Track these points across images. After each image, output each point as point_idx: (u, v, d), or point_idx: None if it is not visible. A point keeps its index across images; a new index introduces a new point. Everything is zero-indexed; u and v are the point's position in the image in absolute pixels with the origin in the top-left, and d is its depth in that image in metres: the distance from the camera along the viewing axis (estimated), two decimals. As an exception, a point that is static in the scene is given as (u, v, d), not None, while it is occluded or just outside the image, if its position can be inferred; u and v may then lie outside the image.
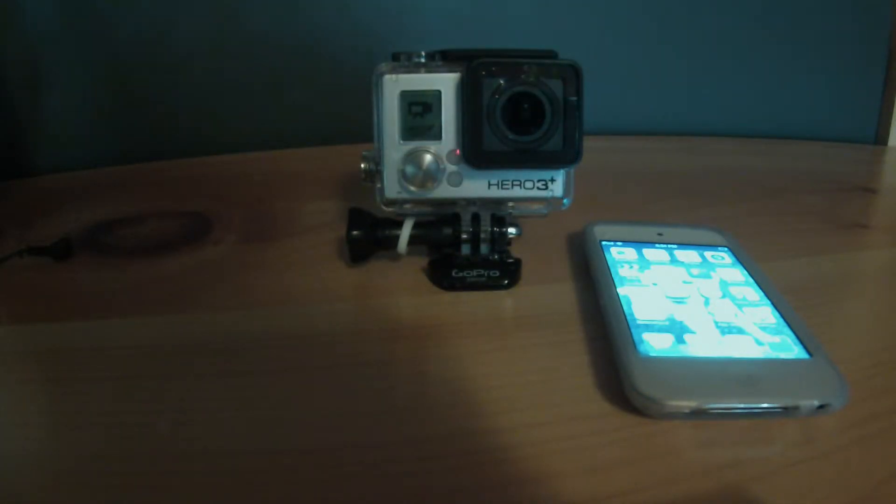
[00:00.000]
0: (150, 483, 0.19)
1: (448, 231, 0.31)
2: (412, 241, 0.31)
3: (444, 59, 0.30)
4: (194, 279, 0.31)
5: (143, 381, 0.24)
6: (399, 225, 0.31)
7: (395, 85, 0.30)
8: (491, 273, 0.31)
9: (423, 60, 0.30)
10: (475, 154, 0.29)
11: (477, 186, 0.31)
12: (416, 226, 0.31)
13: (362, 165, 0.31)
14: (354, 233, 0.30)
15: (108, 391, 0.23)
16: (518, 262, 0.32)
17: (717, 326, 0.25)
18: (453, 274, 0.31)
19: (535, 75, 0.29)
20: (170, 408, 0.23)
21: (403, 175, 0.30)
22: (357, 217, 0.31)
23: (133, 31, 0.51)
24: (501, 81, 0.29)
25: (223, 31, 0.53)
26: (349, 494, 0.19)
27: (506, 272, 0.31)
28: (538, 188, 0.31)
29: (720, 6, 0.62)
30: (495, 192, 0.31)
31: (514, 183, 0.31)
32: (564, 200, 0.31)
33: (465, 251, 0.31)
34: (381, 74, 0.30)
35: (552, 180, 0.31)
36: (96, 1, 0.49)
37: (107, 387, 0.24)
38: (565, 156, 0.30)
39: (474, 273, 0.31)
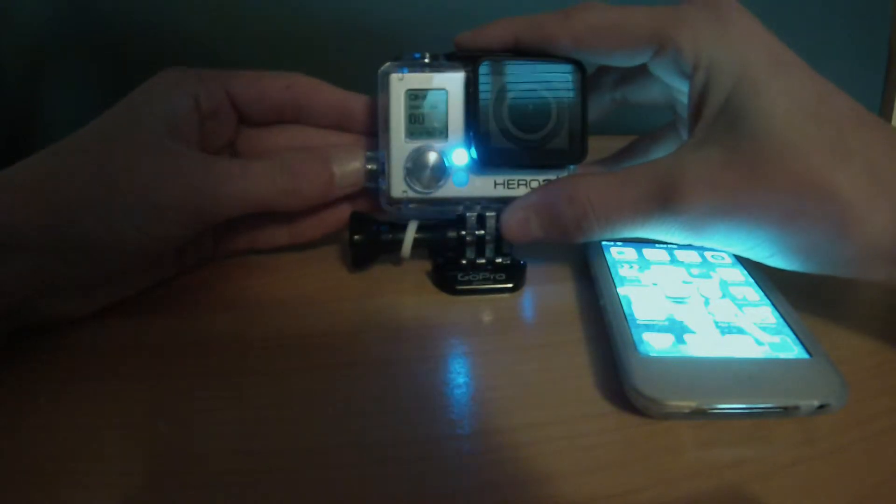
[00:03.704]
0: (148, 483, 0.19)
1: (452, 234, 0.31)
2: (416, 244, 0.31)
3: (448, 59, 0.31)
4: (195, 278, 0.31)
5: (141, 380, 0.24)
6: (402, 228, 0.31)
7: (400, 84, 0.30)
8: (497, 277, 0.31)
9: (427, 61, 0.30)
10: (481, 153, 0.30)
11: (483, 186, 0.31)
12: (419, 229, 0.31)
13: (367, 166, 0.31)
14: (357, 237, 0.30)
15: (106, 390, 0.23)
16: (523, 266, 0.32)
17: (717, 326, 0.25)
18: (459, 278, 0.31)
19: (539, 74, 0.29)
20: (169, 408, 0.23)
21: (409, 174, 0.30)
22: (359, 221, 0.31)
23: (133, 29, 0.51)
24: (506, 80, 0.29)
25: (225, 32, 0.53)
26: (349, 494, 0.19)
27: (511, 276, 0.31)
28: None
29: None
30: (501, 192, 0.31)
31: (520, 182, 0.31)
32: None
33: (470, 254, 0.31)
34: (387, 74, 0.30)
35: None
36: None
37: (106, 386, 0.24)
38: (571, 153, 0.30)
39: (480, 277, 0.31)
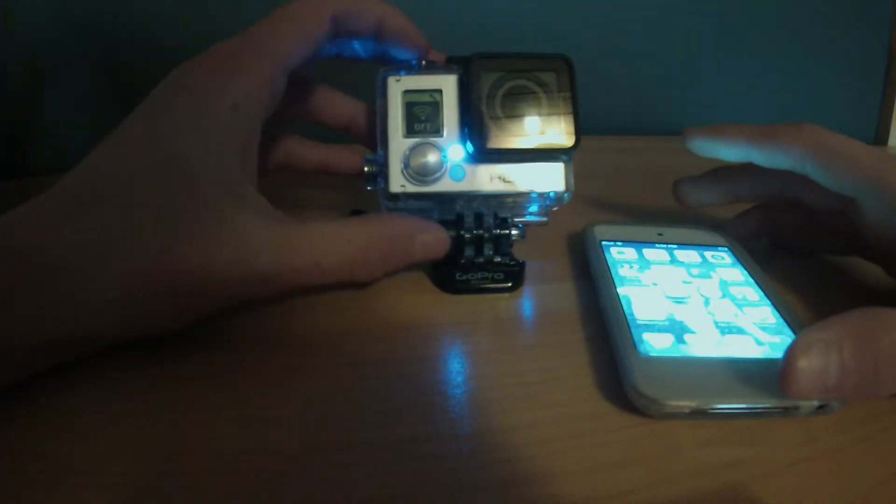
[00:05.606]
0: (149, 483, 0.19)
1: (451, 234, 0.31)
2: None
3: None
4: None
5: (139, 380, 0.24)
6: None
7: (398, 85, 0.31)
8: (495, 276, 0.31)
9: (423, 63, 0.32)
10: (476, 147, 0.30)
11: (479, 180, 0.32)
12: None
13: (365, 168, 0.31)
14: None
15: (105, 390, 0.23)
16: (522, 265, 0.32)
17: (717, 326, 0.25)
18: (457, 277, 0.31)
19: (530, 69, 0.30)
20: (168, 407, 0.23)
21: (406, 168, 0.31)
22: None
23: (134, 30, 0.51)
24: (499, 75, 0.30)
25: (225, 32, 0.53)
26: (349, 494, 0.19)
27: (510, 275, 0.31)
28: (539, 181, 0.31)
29: (720, 7, 0.62)
30: (497, 186, 0.32)
31: (516, 176, 0.32)
32: (565, 195, 0.32)
33: (469, 253, 0.31)
34: (385, 77, 0.31)
35: (553, 174, 0.32)
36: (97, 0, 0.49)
37: (104, 386, 0.24)
38: (564, 145, 0.31)
39: (478, 276, 0.31)
